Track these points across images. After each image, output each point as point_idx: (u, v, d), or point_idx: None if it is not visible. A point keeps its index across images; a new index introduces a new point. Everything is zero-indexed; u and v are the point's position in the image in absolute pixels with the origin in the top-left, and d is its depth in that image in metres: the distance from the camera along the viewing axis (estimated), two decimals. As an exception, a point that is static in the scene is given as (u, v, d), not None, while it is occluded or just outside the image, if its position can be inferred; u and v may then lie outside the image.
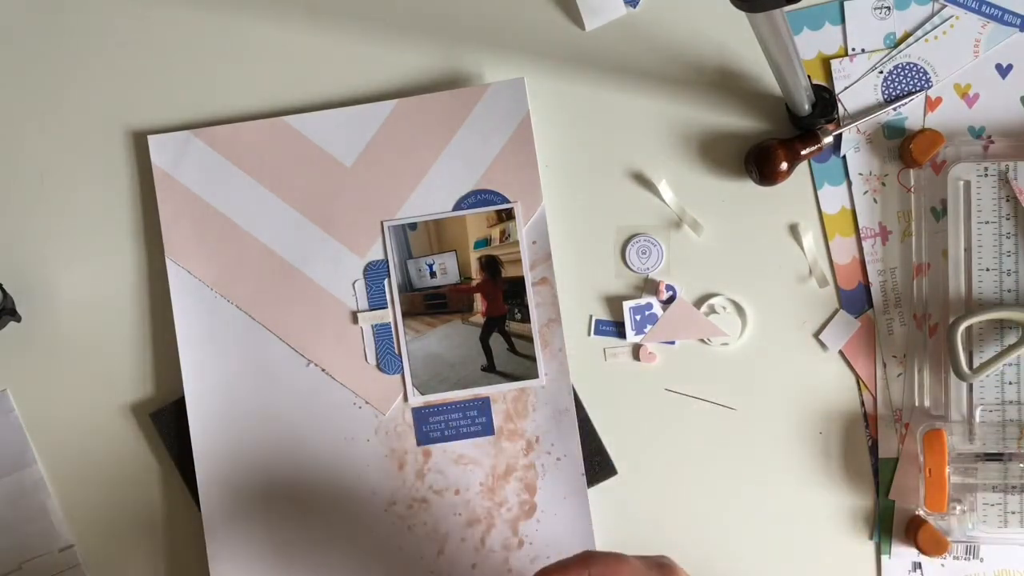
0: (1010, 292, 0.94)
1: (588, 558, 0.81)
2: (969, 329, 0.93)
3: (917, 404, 0.97)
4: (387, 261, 0.99)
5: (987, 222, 0.94)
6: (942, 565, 0.97)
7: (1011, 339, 0.94)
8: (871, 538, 0.98)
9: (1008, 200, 0.94)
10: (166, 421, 1.00)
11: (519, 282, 0.98)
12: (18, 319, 0.99)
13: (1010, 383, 0.94)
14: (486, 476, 0.98)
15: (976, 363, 0.94)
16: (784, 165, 0.95)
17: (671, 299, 0.98)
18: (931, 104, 0.97)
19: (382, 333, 0.99)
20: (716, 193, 0.98)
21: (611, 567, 0.80)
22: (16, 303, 0.99)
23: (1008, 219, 0.94)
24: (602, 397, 0.99)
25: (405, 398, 0.98)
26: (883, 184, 0.97)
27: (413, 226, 0.98)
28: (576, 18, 0.99)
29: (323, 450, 0.98)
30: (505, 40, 0.99)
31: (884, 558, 0.97)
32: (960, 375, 0.92)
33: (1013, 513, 0.94)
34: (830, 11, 0.97)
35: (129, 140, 1.01)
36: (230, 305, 0.99)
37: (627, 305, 0.98)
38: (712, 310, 0.98)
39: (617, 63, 0.99)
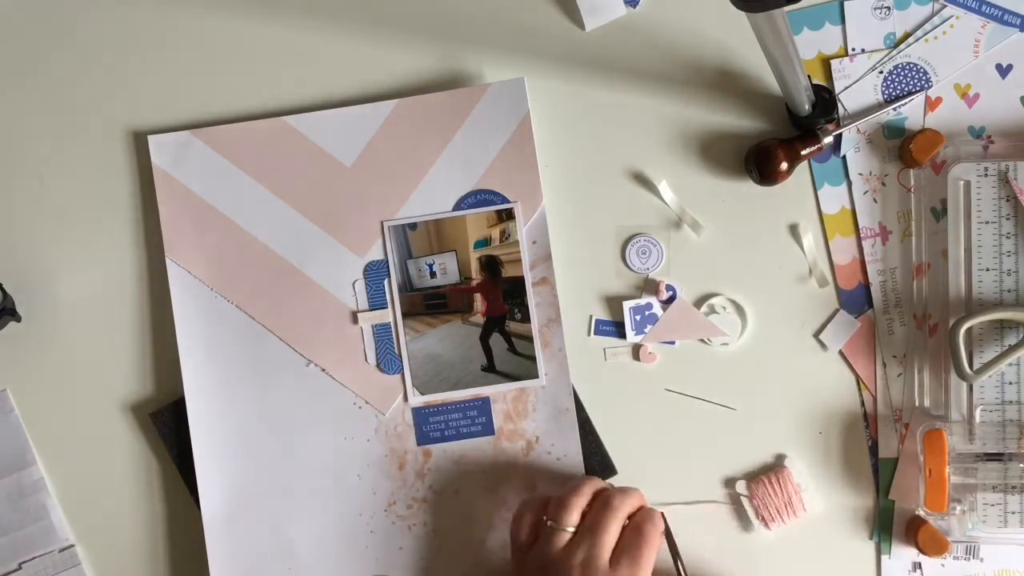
0: (1010, 292, 0.94)
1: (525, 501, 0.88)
2: (970, 330, 0.93)
3: (917, 404, 0.97)
4: (387, 261, 0.99)
5: (987, 222, 0.94)
6: (942, 565, 0.97)
7: (1012, 339, 0.94)
8: (871, 538, 0.98)
9: (1008, 200, 0.94)
10: (166, 421, 1.00)
11: (519, 282, 0.98)
12: (18, 319, 0.99)
13: (1010, 383, 0.94)
14: (486, 476, 0.98)
15: (977, 364, 0.93)
16: (784, 165, 0.95)
17: (671, 299, 0.98)
18: (931, 104, 0.97)
19: (382, 333, 0.99)
20: (716, 193, 0.98)
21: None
22: (16, 303, 0.99)
23: (1008, 219, 0.94)
24: (602, 397, 0.99)
25: (405, 398, 0.98)
26: (883, 184, 0.97)
27: (413, 226, 0.99)
28: (576, 18, 0.99)
29: (323, 450, 0.98)
30: (505, 40, 0.99)
31: (884, 558, 0.97)
32: (963, 376, 0.92)
33: (1013, 513, 0.94)
34: (830, 11, 0.97)
35: (129, 140, 1.01)
36: (230, 305, 0.99)
37: (627, 305, 0.98)
38: (712, 310, 0.98)
39: (617, 63, 0.99)
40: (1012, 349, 0.92)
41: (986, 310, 0.93)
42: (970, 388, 0.94)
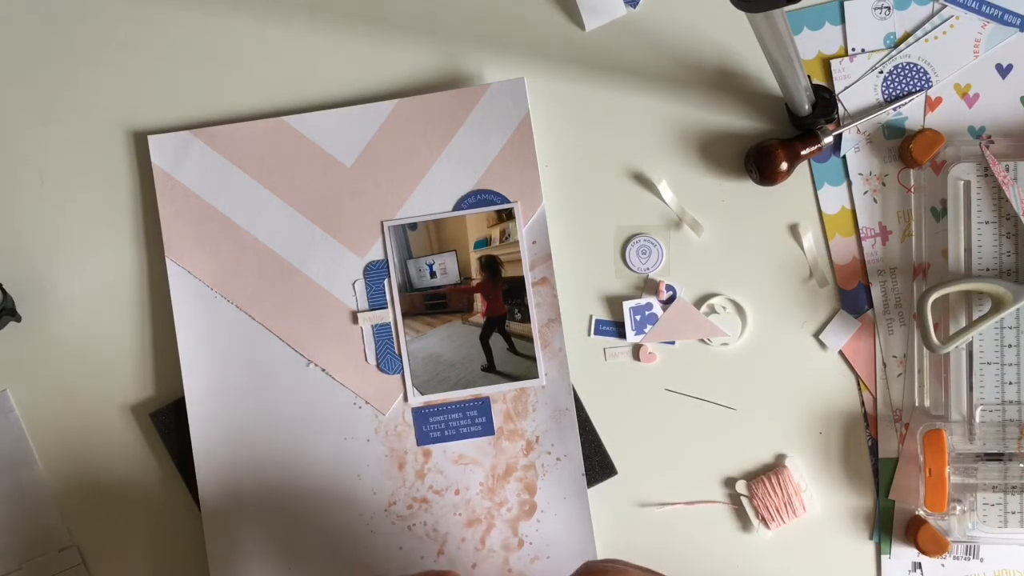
0: (989, 271, 0.94)
1: (589, 569, 0.81)
2: (946, 305, 0.93)
3: (917, 404, 0.97)
4: (387, 261, 0.99)
5: (987, 222, 0.94)
6: (942, 565, 0.97)
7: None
8: (871, 538, 0.98)
9: (1007, 200, 0.94)
10: (166, 421, 1.00)
11: (519, 282, 0.98)
12: (18, 319, 0.99)
13: (1010, 383, 0.94)
14: (486, 476, 0.98)
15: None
16: (784, 165, 0.95)
17: (671, 299, 0.98)
18: (931, 104, 0.97)
19: (382, 333, 0.99)
20: (716, 193, 0.98)
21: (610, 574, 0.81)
22: (16, 303, 0.99)
23: (1008, 219, 0.94)
24: (602, 397, 0.99)
25: (405, 398, 0.98)
26: (883, 184, 0.97)
27: (413, 226, 0.99)
28: (576, 18, 0.99)
29: (323, 450, 0.98)
30: (505, 40, 0.99)
31: (884, 558, 0.97)
32: (930, 346, 0.92)
33: (1013, 513, 0.94)
34: (830, 11, 0.97)
35: (129, 140, 1.01)
36: (230, 305, 0.99)
37: (627, 305, 0.98)
38: (712, 310, 0.98)
39: (617, 63, 0.99)
40: (980, 320, 0.92)
41: (954, 281, 0.93)
42: (970, 388, 0.94)
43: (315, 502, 0.98)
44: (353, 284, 0.99)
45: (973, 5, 0.96)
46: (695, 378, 0.98)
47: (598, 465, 0.98)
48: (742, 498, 0.97)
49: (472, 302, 0.99)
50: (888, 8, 0.97)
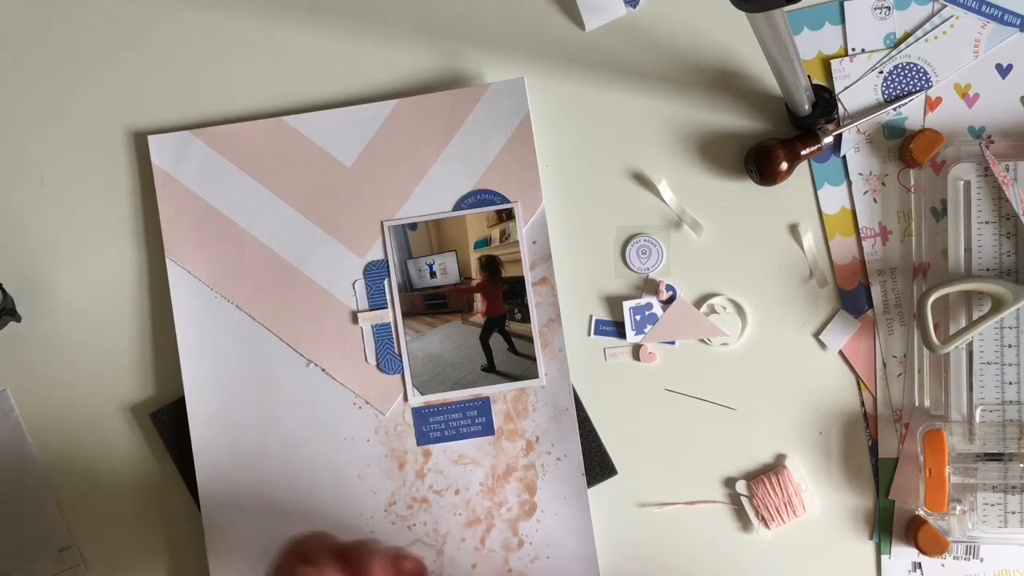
0: (989, 271, 0.94)
1: None
2: (946, 305, 0.93)
3: (917, 404, 0.97)
4: (387, 261, 0.99)
5: (987, 222, 0.94)
6: (942, 565, 0.97)
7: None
8: (871, 538, 0.98)
9: (1007, 200, 0.94)
10: (166, 421, 1.00)
11: (519, 282, 0.98)
12: (18, 319, 0.99)
13: (1010, 383, 0.94)
14: (486, 476, 0.98)
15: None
16: (784, 165, 0.95)
17: (671, 299, 0.98)
18: (931, 104, 0.97)
19: (382, 333, 0.99)
20: (716, 193, 0.98)
21: None
22: (16, 303, 0.99)
23: (1008, 219, 0.94)
24: (602, 397, 0.99)
25: (405, 398, 0.98)
26: (883, 184, 0.97)
27: (413, 226, 0.99)
28: (576, 18, 0.99)
29: (323, 450, 0.98)
30: (505, 40, 0.99)
31: (884, 558, 0.97)
32: (930, 346, 0.92)
33: (1013, 513, 0.94)
34: (830, 11, 0.97)
35: (129, 140, 1.01)
36: (230, 305, 0.99)
37: (627, 305, 0.98)
38: (712, 310, 0.98)
39: (617, 63, 0.99)
40: (980, 320, 0.92)
41: (954, 281, 0.93)
42: (970, 388, 0.94)
43: (315, 502, 0.98)
44: (353, 284, 0.99)
45: (973, 5, 0.96)
46: (695, 378, 0.98)
47: (598, 465, 0.98)
48: (742, 498, 0.97)
49: (472, 302, 0.99)
50: (888, 8, 0.97)
